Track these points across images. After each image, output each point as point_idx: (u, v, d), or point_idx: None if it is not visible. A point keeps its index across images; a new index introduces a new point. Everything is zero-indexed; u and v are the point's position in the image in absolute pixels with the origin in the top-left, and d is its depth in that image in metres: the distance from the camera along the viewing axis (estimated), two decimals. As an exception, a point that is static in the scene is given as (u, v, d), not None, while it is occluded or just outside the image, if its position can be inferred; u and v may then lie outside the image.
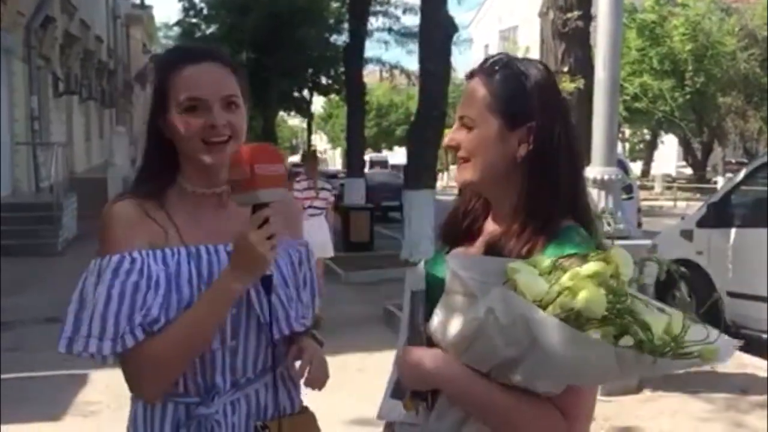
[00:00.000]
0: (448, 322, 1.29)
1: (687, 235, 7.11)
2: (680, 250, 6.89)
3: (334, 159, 62.94)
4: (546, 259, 1.25)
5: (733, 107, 27.95)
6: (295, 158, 32.58)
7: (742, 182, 6.94)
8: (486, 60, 1.44)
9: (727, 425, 4.46)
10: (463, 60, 47.42)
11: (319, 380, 1.58)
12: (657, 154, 36.66)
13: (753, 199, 6.91)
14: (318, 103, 43.14)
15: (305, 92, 26.71)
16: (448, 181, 33.33)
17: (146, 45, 34.98)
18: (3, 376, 5.25)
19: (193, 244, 1.48)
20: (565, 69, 6.08)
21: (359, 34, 16.65)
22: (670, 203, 25.74)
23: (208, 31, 23.57)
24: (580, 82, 6.03)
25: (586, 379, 1.28)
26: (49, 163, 14.08)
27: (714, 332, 1.18)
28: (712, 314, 6.16)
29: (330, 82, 25.02)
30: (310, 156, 9.07)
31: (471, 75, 1.43)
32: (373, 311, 7.71)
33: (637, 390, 4.91)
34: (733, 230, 6.63)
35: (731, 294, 6.48)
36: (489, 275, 1.25)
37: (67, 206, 12.86)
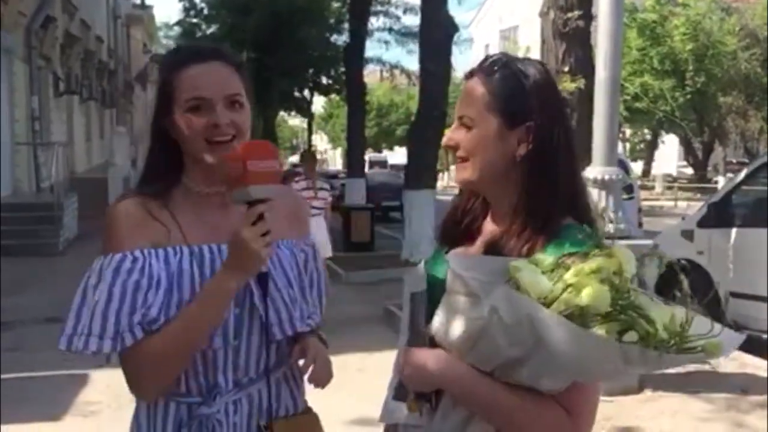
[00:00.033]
0: (451, 323, 1.29)
1: (688, 235, 7.11)
2: (681, 250, 6.89)
3: (334, 159, 62.97)
4: (548, 258, 1.25)
5: (734, 107, 27.94)
6: (296, 158, 32.63)
7: (743, 182, 6.94)
8: (485, 59, 1.44)
9: (728, 425, 4.46)
10: (464, 60, 47.38)
11: (322, 378, 1.58)
12: (658, 154, 36.66)
13: (754, 199, 6.91)
14: (318, 103, 43.18)
15: (306, 92, 26.73)
16: (449, 181, 33.30)
17: (147, 45, 35.00)
18: (3, 376, 5.25)
19: (196, 244, 1.48)
20: (566, 69, 6.08)
21: (360, 34, 16.66)
22: (671, 203, 25.75)
23: (209, 31, 23.57)
24: (581, 82, 6.03)
25: (592, 376, 1.28)
26: (49, 163, 14.09)
27: (717, 326, 1.19)
28: (711, 313, 6.15)
29: (330, 82, 25.04)
30: (309, 156, 9.13)
31: (470, 74, 1.42)
32: (374, 311, 7.72)
33: (638, 390, 4.90)
34: (734, 230, 6.63)
35: (732, 294, 6.48)
36: (491, 275, 1.25)
37: (67, 206, 12.87)
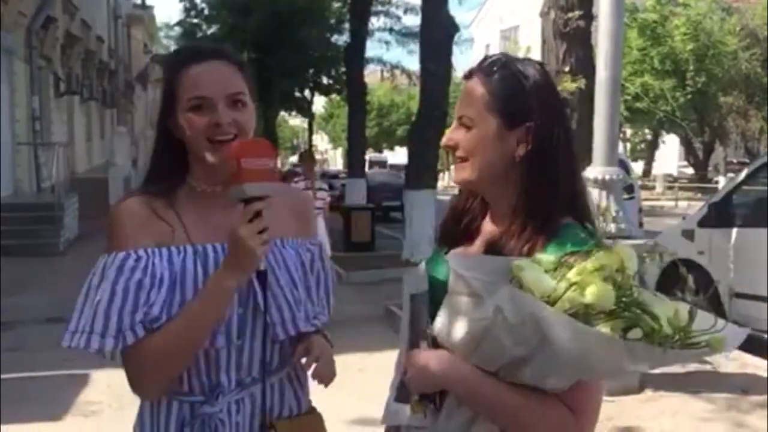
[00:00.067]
0: (454, 324, 1.29)
1: (688, 234, 7.11)
2: (682, 249, 6.88)
3: (335, 159, 62.98)
4: (550, 257, 1.25)
5: (735, 107, 27.94)
6: (296, 158, 32.63)
7: (744, 182, 6.93)
8: (484, 59, 1.44)
9: (728, 425, 4.46)
10: (464, 60, 47.46)
11: (326, 375, 1.57)
12: (658, 154, 36.66)
13: (754, 198, 6.90)
14: (319, 103, 43.23)
15: (306, 92, 26.76)
16: (449, 181, 33.31)
17: (147, 45, 35.01)
18: (3, 376, 5.25)
19: (200, 243, 1.48)
20: (567, 69, 6.07)
21: (360, 34, 16.67)
22: (672, 203, 25.74)
23: (209, 32, 23.58)
24: (582, 82, 6.02)
25: (596, 374, 1.29)
26: (50, 164, 14.10)
27: (721, 321, 1.19)
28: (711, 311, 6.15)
29: (331, 82, 25.06)
30: (308, 156, 9.18)
31: (469, 74, 1.43)
32: (374, 311, 7.72)
33: (639, 390, 4.90)
34: (735, 230, 6.63)
35: (732, 294, 6.48)
36: (493, 274, 1.25)
37: (68, 206, 12.87)
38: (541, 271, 1.22)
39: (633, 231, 5.56)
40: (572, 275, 1.18)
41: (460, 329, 1.27)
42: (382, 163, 38.00)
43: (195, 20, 23.98)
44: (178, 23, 24.56)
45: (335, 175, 25.58)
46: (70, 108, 19.58)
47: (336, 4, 23.45)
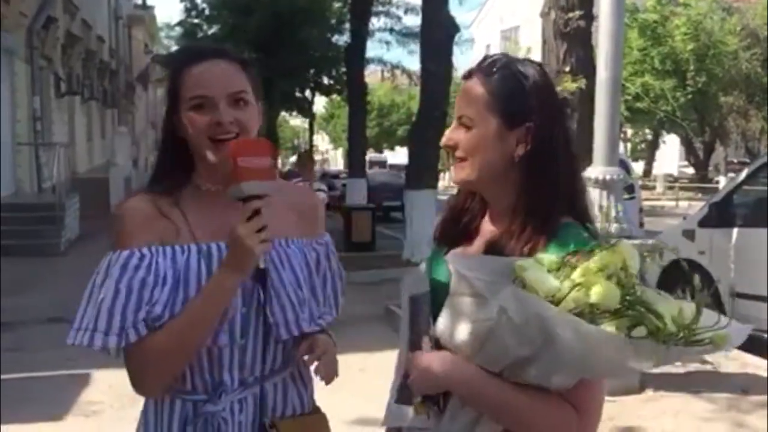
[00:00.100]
0: (457, 325, 1.29)
1: (689, 234, 7.11)
2: (682, 250, 6.87)
3: (336, 159, 62.97)
4: (552, 257, 1.25)
5: (735, 107, 27.92)
6: (296, 158, 32.66)
7: (744, 182, 6.93)
8: (484, 60, 1.44)
9: (729, 425, 4.46)
10: (465, 60, 47.57)
11: (329, 372, 1.57)
12: (659, 154, 36.65)
13: (755, 198, 6.90)
14: (320, 104, 43.19)
15: (307, 92, 26.71)
16: (450, 181, 33.35)
17: (148, 45, 35.02)
18: (4, 377, 5.24)
19: (204, 242, 1.48)
20: (567, 69, 6.07)
21: (361, 35, 16.66)
22: (672, 203, 25.72)
23: (210, 32, 23.52)
24: (582, 82, 6.02)
25: (600, 372, 1.29)
26: (51, 164, 14.10)
27: (724, 318, 1.19)
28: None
29: (332, 82, 25.02)
30: (306, 157, 9.20)
31: (469, 74, 1.43)
32: (375, 311, 7.72)
33: (640, 390, 4.90)
34: (735, 230, 6.63)
35: (733, 294, 6.48)
36: (495, 275, 1.25)
37: (69, 206, 12.87)
38: (543, 271, 1.22)
39: (634, 231, 5.55)
40: (576, 276, 1.18)
41: (463, 330, 1.27)
42: (382, 163, 38.01)
43: (196, 20, 23.92)
44: (179, 23, 24.49)
45: (336, 175, 25.57)
46: (70, 108, 19.59)
47: (336, 5, 23.42)
